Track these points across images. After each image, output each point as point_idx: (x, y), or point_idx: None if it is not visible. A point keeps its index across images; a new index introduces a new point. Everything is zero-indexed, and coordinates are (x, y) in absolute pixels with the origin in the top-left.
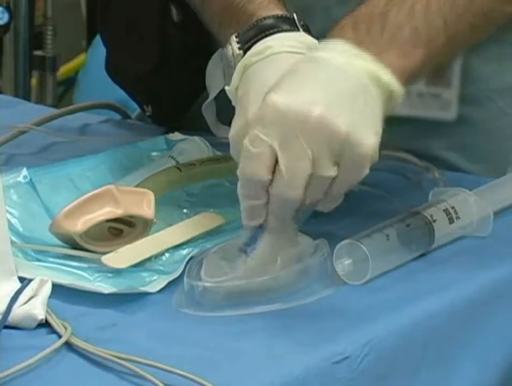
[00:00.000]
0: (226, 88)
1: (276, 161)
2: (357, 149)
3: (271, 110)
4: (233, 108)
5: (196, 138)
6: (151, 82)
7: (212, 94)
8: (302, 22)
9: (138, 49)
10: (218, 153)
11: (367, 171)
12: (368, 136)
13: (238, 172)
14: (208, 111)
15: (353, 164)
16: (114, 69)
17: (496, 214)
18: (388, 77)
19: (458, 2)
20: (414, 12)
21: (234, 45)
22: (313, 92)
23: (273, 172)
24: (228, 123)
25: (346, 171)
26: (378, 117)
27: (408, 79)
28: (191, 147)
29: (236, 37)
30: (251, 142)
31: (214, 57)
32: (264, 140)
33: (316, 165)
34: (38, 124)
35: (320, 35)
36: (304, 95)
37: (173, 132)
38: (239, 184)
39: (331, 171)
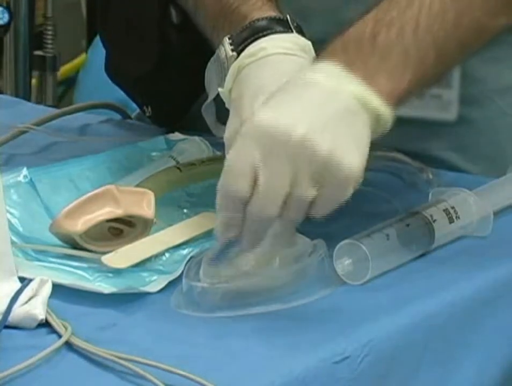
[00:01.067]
0: (220, 90)
1: None
2: (339, 170)
3: (255, 127)
4: None
5: (196, 138)
6: (151, 83)
7: (212, 95)
8: (295, 24)
9: (138, 50)
10: (218, 153)
11: (350, 192)
12: (352, 158)
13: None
14: (208, 112)
15: (335, 185)
16: (114, 70)
17: (496, 214)
18: (377, 101)
19: (446, 19)
20: (404, 33)
21: (227, 47)
22: (299, 112)
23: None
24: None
25: (329, 192)
26: (365, 140)
27: (396, 102)
28: (191, 147)
29: (229, 38)
30: (235, 155)
31: (213, 58)
32: (247, 155)
33: (295, 185)
34: (38, 124)
35: (317, 37)
36: (289, 115)
37: (173, 132)
38: (218, 195)
39: (310, 192)
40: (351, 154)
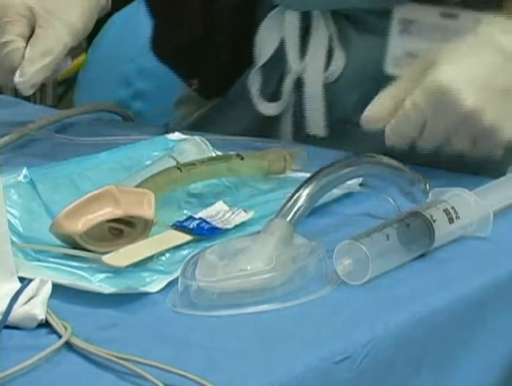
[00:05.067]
0: None
1: None
2: (496, 139)
3: (435, 82)
4: (278, 82)
5: (197, 138)
6: (199, 52)
7: (261, 61)
8: None
9: (187, 17)
10: (218, 153)
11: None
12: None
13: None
14: (253, 81)
15: (488, 147)
16: (160, 45)
17: (496, 214)
18: None
19: None
20: None
21: None
22: (473, 81)
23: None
24: (270, 98)
25: (481, 150)
26: None
27: None
28: (192, 147)
29: None
30: (412, 107)
31: (266, 24)
32: (421, 108)
33: (455, 139)
34: (40, 127)
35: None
36: (465, 81)
37: (173, 132)
38: (388, 133)
39: (465, 148)
40: (510, 126)
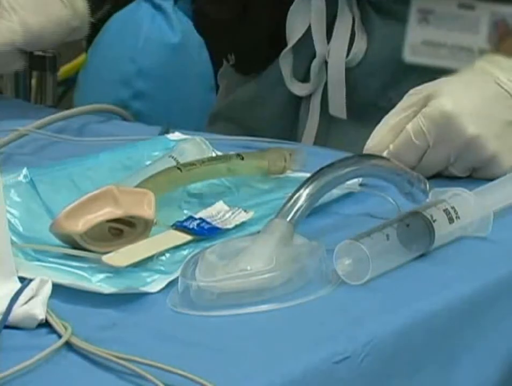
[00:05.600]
0: None
1: None
2: (498, 171)
3: (437, 111)
4: (309, 62)
5: (197, 138)
6: (237, 27)
7: (291, 42)
8: None
9: None
10: (218, 153)
11: None
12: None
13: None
14: (285, 61)
15: (489, 177)
16: (201, 19)
17: (496, 214)
18: None
19: None
20: None
21: None
22: (476, 111)
23: None
24: (303, 78)
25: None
26: None
27: None
28: (192, 147)
29: None
30: (415, 133)
31: (295, 7)
32: (422, 134)
33: (453, 166)
34: (39, 127)
35: None
36: (467, 111)
37: (173, 132)
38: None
39: (463, 174)
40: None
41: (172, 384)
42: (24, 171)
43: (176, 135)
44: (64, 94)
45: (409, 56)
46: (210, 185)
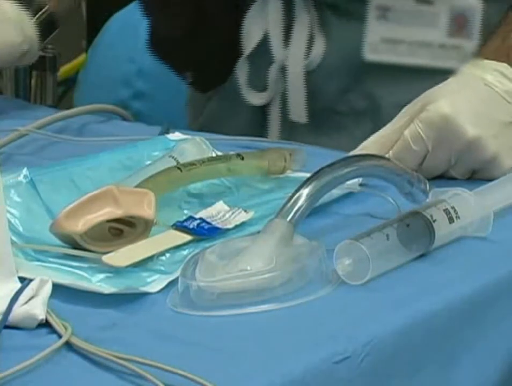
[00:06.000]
0: None
1: None
2: (498, 171)
3: (435, 116)
4: (265, 73)
5: (197, 138)
6: (192, 43)
7: (247, 50)
8: None
9: (174, 10)
10: (218, 153)
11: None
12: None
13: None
14: (240, 70)
15: (489, 177)
16: (154, 41)
17: (496, 214)
18: None
19: None
20: None
21: None
22: (474, 114)
23: None
24: (259, 87)
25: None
26: None
27: None
28: (192, 147)
29: None
30: (413, 138)
31: (252, 11)
32: (421, 139)
33: (454, 168)
34: (39, 127)
35: None
36: (465, 114)
37: (173, 132)
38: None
39: (464, 176)
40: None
41: (172, 384)
42: (25, 171)
43: (176, 135)
44: (64, 94)
45: (369, 54)
46: (210, 185)
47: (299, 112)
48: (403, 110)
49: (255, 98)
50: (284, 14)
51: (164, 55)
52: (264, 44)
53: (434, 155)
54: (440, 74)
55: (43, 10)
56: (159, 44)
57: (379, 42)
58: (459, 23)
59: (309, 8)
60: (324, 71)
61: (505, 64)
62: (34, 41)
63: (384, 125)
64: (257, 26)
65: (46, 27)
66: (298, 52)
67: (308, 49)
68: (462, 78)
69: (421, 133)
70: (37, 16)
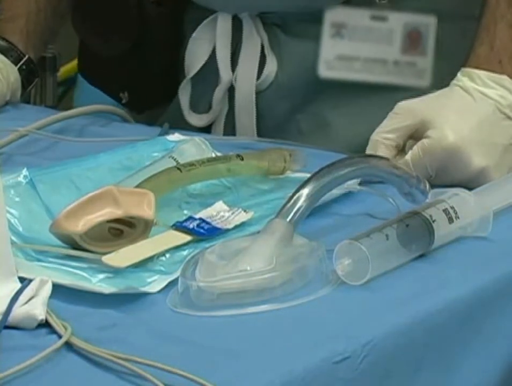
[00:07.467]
0: None
1: None
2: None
3: (439, 146)
4: (209, 94)
5: (197, 139)
6: (129, 63)
7: (191, 73)
8: None
9: (116, 27)
10: (218, 153)
11: None
12: None
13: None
14: (183, 92)
15: None
16: (89, 61)
17: (496, 214)
18: None
19: None
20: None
21: None
22: (478, 145)
23: None
24: (200, 110)
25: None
26: None
27: None
28: (192, 147)
29: None
30: (415, 166)
31: (196, 35)
32: (427, 168)
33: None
34: (39, 127)
35: None
36: (469, 145)
37: (173, 133)
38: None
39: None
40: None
41: (172, 384)
42: (24, 171)
43: (175, 136)
44: (64, 94)
45: (324, 72)
46: (209, 185)
47: (247, 132)
48: (393, 116)
49: (196, 120)
50: (233, 34)
51: (97, 76)
52: (208, 65)
53: (437, 180)
54: (391, 93)
55: (23, 60)
56: (94, 66)
57: (334, 59)
58: (413, 40)
59: (258, 28)
60: (275, 91)
61: (504, 77)
62: (15, 90)
63: (333, 145)
64: (203, 48)
65: (27, 76)
66: (248, 72)
67: (259, 69)
68: (462, 94)
69: (424, 161)
70: (18, 66)
